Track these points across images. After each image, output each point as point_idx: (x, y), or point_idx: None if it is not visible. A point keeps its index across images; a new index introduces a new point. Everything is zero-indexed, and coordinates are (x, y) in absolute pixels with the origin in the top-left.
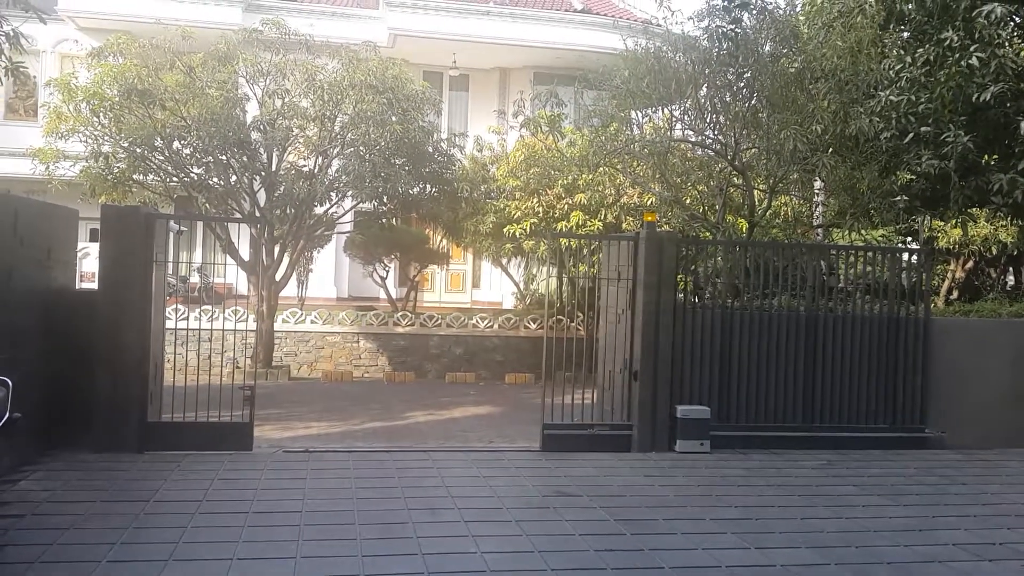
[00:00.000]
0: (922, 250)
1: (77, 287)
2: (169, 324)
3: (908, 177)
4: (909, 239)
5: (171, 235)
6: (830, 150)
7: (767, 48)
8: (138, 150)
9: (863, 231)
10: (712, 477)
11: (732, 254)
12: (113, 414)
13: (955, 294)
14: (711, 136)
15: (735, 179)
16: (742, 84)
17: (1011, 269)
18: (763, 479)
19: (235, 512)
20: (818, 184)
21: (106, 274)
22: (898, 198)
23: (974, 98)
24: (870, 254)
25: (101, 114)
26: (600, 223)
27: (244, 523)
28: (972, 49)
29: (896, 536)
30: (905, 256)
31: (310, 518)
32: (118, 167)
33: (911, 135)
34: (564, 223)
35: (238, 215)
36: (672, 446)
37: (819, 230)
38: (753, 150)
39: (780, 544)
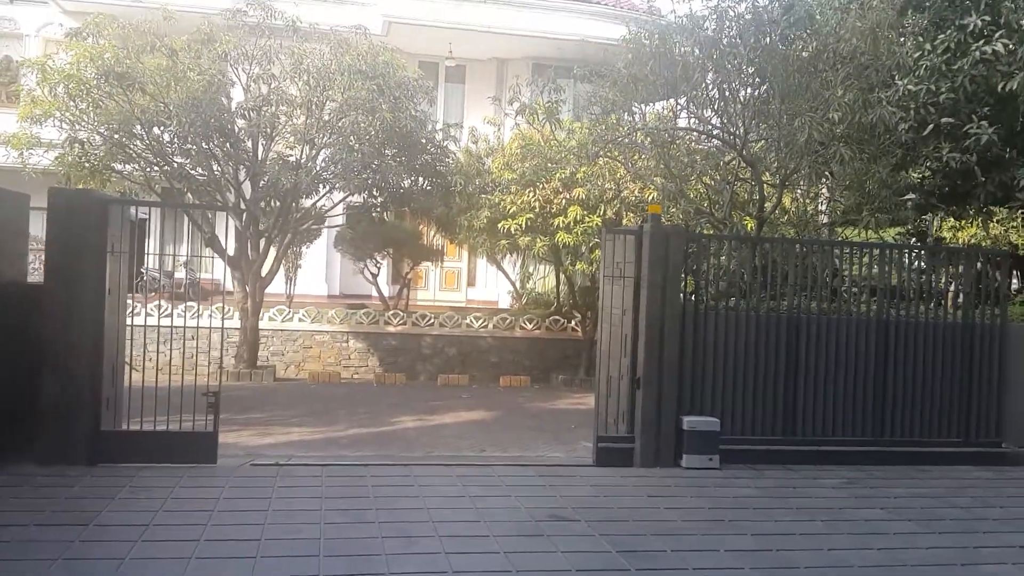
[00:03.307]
0: (999, 251)
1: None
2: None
3: (923, 173)
4: (913, 240)
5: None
6: (841, 142)
7: (778, 32)
8: (116, 136)
9: (880, 230)
10: (723, 498)
11: (748, 251)
12: (62, 422)
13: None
14: (718, 126)
15: (742, 172)
16: (752, 70)
17: (1018, 272)
18: (779, 501)
19: (183, 540)
20: (824, 181)
21: (53, 266)
22: (908, 196)
23: (999, 87)
24: (941, 255)
25: (78, 98)
26: (599, 219)
27: (192, 554)
28: (996, 35)
29: (934, 572)
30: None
31: (268, 548)
32: (95, 154)
33: (931, 127)
34: (561, 218)
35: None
36: (678, 461)
37: (825, 229)
38: (762, 141)
39: None
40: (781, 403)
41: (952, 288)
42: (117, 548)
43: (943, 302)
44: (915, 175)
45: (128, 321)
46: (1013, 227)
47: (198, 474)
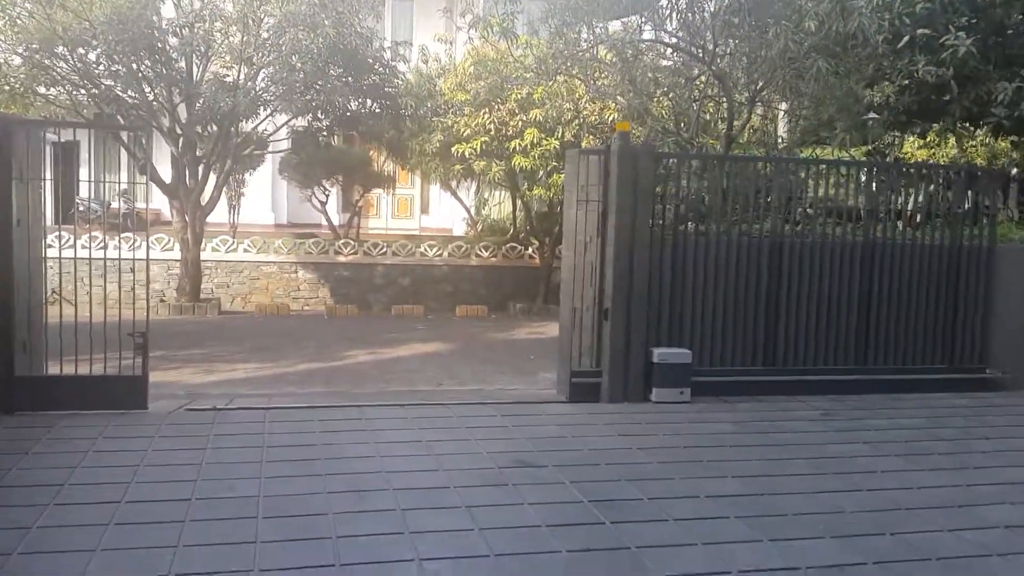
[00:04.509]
0: (993, 170)
1: None
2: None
3: (894, 88)
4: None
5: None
6: (817, 54)
7: None
8: (38, 57)
9: (851, 148)
10: (698, 435)
11: (720, 171)
12: None
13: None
14: (685, 39)
15: (710, 89)
16: None
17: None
18: (757, 436)
19: (102, 502)
20: (790, 98)
21: None
22: (869, 115)
23: None
24: (924, 172)
25: None
26: (557, 141)
27: (111, 519)
28: None
29: (933, 517)
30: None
31: (199, 510)
32: (15, 77)
33: (906, 39)
34: (518, 141)
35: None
36: (647, 395)
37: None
38: (731, 56)
39: (797, 533)
40: (758, 332)
41: (939, 209)
42: (24, 515)
43: (928, 223)
44: (890, 90)
45: (53, 255)
46: (973, 147)
47: (125, 422)
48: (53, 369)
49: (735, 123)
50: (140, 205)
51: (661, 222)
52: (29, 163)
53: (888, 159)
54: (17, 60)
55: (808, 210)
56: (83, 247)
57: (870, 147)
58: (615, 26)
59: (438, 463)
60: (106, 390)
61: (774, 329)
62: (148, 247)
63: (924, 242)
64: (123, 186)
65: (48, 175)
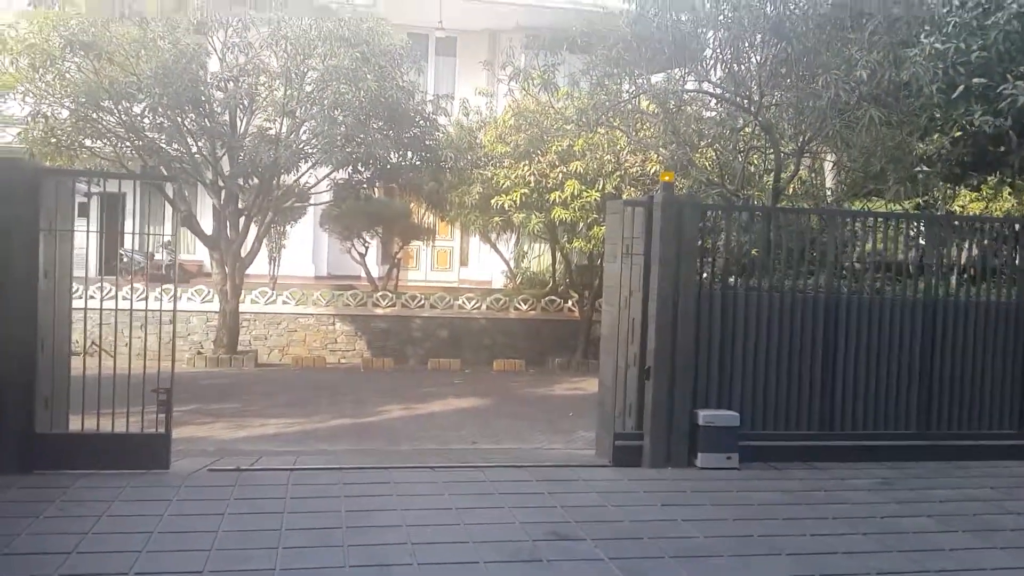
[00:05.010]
0: None
1: None
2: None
3: (949, 139)
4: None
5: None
6: (869, 103)
7: None
8: (84, 110)
9: (904, 201)
10: (747, 506)
11: (766, 225)
12: None
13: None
14: (730, 89)
15: (755, 140)
16: (768, 25)
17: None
18: (811, 508)
19: (110, 573)
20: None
21: None
22: (918, 168)
23: None
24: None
25: (42, 69)
26: (598, 193)
27: None
28: None
29: None
30: None
31: None
32: (62, 129)
33: (960, 88)
34: (558, 193)
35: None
36: (692, 460)
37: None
38: (777, 106)
39: None
40: (812, 394)
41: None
42: None
43: (992, 279)
44: (943, 141)
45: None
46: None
47: (144, 483)
48: (76, 424)
49: (782, 175)
50: (183, 256)
51: (707, 276)
52: (59, 214)
53: (939, 212)
54: (64, 113)
55: (856, 264)
56: (124, 298)
57: (920, 200)
58: (657, 78)
59: (468, 534)
60: (127, 449)
61: (829, 391)
62: (176, 297)
63: (989, 299)
64: (166, 238)
65: (93, 227)
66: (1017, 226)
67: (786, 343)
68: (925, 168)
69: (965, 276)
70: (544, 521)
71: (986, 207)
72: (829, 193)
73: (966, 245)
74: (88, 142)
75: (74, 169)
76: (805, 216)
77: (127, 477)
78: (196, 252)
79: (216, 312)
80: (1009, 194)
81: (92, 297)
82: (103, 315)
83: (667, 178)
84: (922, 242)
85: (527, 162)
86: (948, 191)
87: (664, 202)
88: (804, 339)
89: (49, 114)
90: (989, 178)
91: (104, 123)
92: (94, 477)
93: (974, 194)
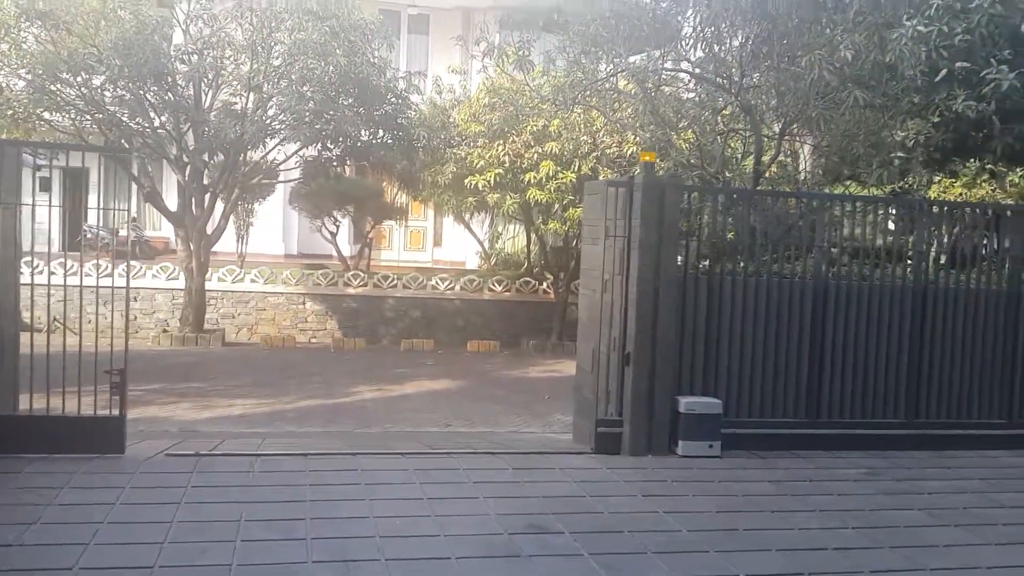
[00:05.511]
0: None
1: None
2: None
3: (929, 123)
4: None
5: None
6: (854, 85)
7: None
8: (41, 82)
9: (882, 186)
10: (731, 496)
11: (746, 207)
12: None
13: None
14: (710, 70)
15: (736, 122)
16: (749, 4)
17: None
18: (798, 500)
19: (55, 568)
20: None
21: None
22: (894, 154)
23: (1021, 27)
24: (980, 212)
25: None
26: (574, 175)
27: None
28: None
29: None
30: None
31: None
32: (19, 101)
33: (943, 72)
34: (533, 174)
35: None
36: (673, 448)
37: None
38: (758, 86)
39: None
40: (797, 381)
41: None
42: None
43: (989, 268)
44: (923, 127)
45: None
46: (1014, 185)
47: (97, 469)
48: (27, 405)
49: (763, 158)
50: (149, 233)
51: (690, 260)
52: (3, 186)
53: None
54: (20, 84)
55: (833, 249)
56: (87, 275)
57: (895, 186)
58: (636, 58)
59: (440, 527)
60: (80, 432)
61: (816, 378)
62: (128, 274)
63: (980, 286)
64: (124, 212)
65: (56, 201)
66: (1001, 212)
67: (772, 328)
68: (901, 155)
69: (945, 262)
70: (520, 513)
71: (961, 194)
72: (807, 177)
73: (950, 231)
74: (47, 115)
75: (24, 140)
76: (791, 200)
77: (79, 462)
78: (163, 229)
79: (182, 290)
80: (985, 181)
81: (54, 273)
82: (66, 292)
83: (648, 158)
84: (903, 226)
85: (501, 142)
86: (926, 178)
87: (645, 183)
88: (792, 325)
89: (4, 85)
90: (968, 164)
91: (63, 95)
92: (47, 462)
93: (952, 180)
